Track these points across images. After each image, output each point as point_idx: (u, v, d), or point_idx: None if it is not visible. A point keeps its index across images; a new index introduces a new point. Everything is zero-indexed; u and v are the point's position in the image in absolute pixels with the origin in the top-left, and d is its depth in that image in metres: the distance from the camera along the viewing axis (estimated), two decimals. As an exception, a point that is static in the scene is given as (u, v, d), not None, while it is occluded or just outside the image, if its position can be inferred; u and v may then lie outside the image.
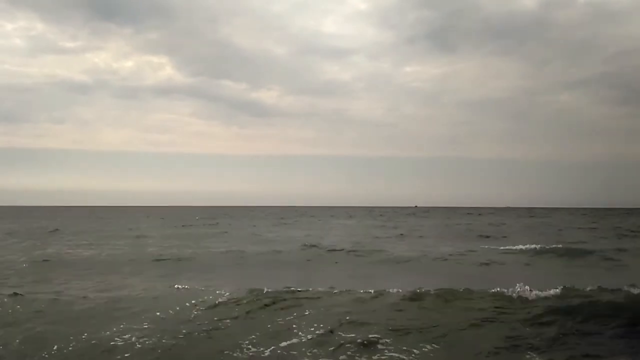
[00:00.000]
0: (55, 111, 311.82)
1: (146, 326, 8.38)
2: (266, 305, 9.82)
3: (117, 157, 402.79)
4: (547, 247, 20.94)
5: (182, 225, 44.54)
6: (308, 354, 7.05)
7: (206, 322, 8.67)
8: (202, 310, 9.57)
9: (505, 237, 29.72)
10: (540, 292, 10.31)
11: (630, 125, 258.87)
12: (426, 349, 7.21)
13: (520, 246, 21.53)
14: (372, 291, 10.84)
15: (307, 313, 9.20)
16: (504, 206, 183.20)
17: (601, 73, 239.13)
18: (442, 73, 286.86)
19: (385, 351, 7.10)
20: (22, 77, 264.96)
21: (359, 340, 7.44)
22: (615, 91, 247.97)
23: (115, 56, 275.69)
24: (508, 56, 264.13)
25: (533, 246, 21.21)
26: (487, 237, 30.14)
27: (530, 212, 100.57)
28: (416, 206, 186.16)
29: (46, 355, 7.02)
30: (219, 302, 10.12)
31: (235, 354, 7.06)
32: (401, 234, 32.63)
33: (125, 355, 7.01)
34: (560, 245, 21.54)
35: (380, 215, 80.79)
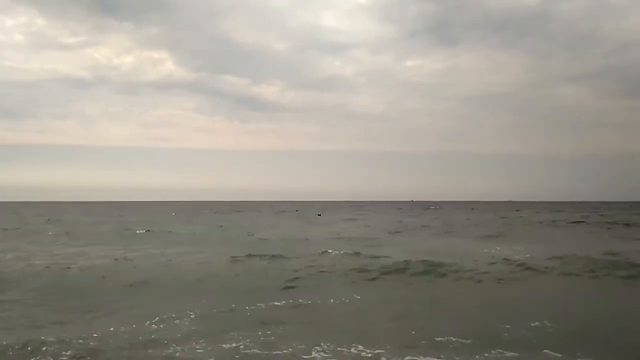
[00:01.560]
0: (58, 107, 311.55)
1: None
2: None
3: (120, 152, 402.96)
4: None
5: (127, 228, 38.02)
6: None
7: None
8: None
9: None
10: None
11: (634, 119, 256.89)
12: None
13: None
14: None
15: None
16: (506, 200, 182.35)
17: (603, 66, 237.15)
18: (443, 67, 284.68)
19: None
20: (23, 73, 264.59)
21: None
22: (618, 84, 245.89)
23: (116, 51, 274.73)
24: (510, 50, 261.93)
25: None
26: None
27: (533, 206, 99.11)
28: (412, 201, 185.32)
29: None
30: None
31: None
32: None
33: None
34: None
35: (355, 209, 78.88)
